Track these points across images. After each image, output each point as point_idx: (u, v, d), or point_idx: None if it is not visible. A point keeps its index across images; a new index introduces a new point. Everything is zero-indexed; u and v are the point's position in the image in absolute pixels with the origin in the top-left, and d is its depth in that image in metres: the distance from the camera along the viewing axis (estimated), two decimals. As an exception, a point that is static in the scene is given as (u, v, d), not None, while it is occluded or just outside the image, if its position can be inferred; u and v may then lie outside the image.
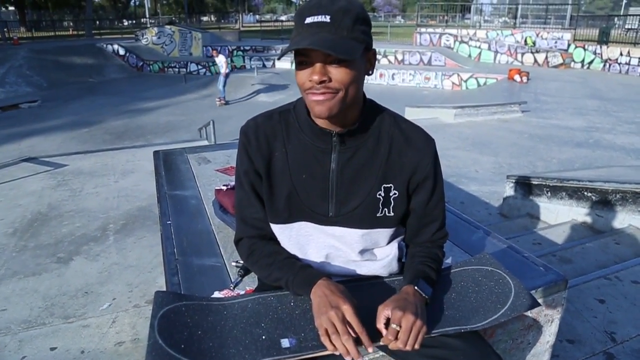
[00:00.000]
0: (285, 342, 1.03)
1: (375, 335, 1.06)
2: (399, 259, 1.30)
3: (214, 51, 13.83)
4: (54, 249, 3.47)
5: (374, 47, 1.06)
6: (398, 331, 1.01)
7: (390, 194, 1.14)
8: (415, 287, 1.10)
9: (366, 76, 1.07)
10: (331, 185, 1.12)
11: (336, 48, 0.94)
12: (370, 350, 1.00)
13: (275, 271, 1.15)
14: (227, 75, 13.16)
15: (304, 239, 1.20)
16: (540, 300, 1.56)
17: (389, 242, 1.23)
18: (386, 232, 1.20)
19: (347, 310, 0.99)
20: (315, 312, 1.03)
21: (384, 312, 1.04)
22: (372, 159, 1.12)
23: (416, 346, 1.00)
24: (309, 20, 0.97)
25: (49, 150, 7.79)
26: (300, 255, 1.22)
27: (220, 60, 13.23)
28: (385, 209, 1.15)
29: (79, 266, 3.22)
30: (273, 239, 1.22)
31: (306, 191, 1.13)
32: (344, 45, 0.95)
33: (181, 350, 0.99)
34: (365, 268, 1.24)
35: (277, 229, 1.21)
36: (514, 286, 1.19)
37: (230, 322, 1.09)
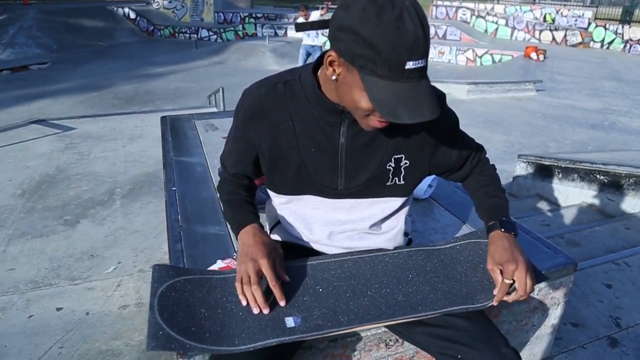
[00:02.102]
0: (290, 321, 1.00)
1: (381, 311, 1.04)
2: (405, 233, 1.28)
3: (303, 10, 9.05)
4: (61, 212, 3.49)
5: None
6: (511, 284, 1.04)
7: (401, 164, 1.11)
8: (503, 230, 1.10)
9: None
10: (340, 160, 1.09)
11: (435, 103, 0.89)
12: (282, 303, 1.04)
13: (227, 209, 1.21)
14: (312, 50, 9.37)
15: (310, 212, 1.18)
16: (548, 283, 1.54)
17: (396, 213, 1.21)
18: (396, 202, 1.17)
19: (264, 265, 1.02)
20: (239, 257, 1.07)
21: (495, 273, 1.07)
22: (382, 132, 1.07)
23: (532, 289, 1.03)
24: (411, 65, 0.83)
25: (58, 112, 7.78)
26: (304, 229, 1.20)
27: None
28: (396, 178, 1.13)
29: (86, 229, 3.24)
30: (244, 184, 1.24)
31: (315, 165, 1.10)
32: (436, 93, 0.92)
33: (184, 332, 0.94)
34: (371, 241, 1.22)
35: (283, 199, 1.19)
36: None
37: (232, 298, 1.05)
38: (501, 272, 1.05)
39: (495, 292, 1.06)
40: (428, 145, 1.11)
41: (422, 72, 0.86)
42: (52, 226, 3.28)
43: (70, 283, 2.62)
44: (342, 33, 0.86)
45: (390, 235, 1.23)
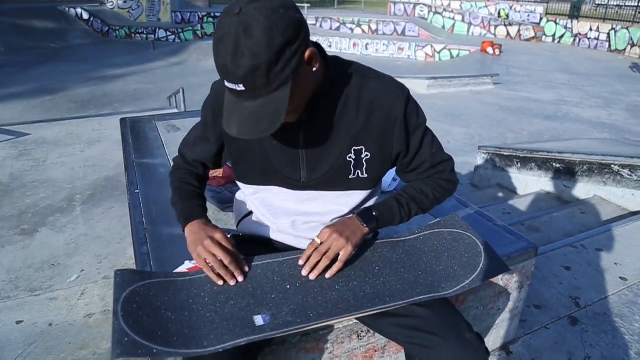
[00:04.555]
0: (259, 320, 1.00)
1: (349, 304, 1.05)
2: None
3: None
4: (17, 221, 3.34)
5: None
6: (319, 245, 1.11)
7: (362, 156, 1.12)
8: (358, 216, 1.16)
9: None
10: (301, 153, 1.11)
11: (261, 124, 0.92)
12: (240, 279, 1.08)
13: (176, 196, 1.23)
14: None
15: (277, 203, 1.19)
16: (511, 268, 1.59)
17: (362, 205, 1.22)
18: (361, 195, 1.19)
19: (220, 238, 1.08)
20: (190, 248, 1.10)
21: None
22: (340, 124, 1.09)
23: (338, 262, 1.10)
24: (228, 85, 0.91)
25: (9, 118, 7.44)
26: (270, 218, 1.22)
27: None
28: (358, 171, 1.14)
29: (45, 238, 3.12)
30: (199, 174, 1.27)
31: (277, 157, 1.12)
32: (268, 114, 0.92)
33: (150, 337, 0.92)
34: None
35: (251, 190, 1.21)
36: (484, 250, 1.19)
37: (199, 300, 1.04)
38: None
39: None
40: (387, 138, 1.12)
41: (239, 94, 0.91)
42: (8, 236, 3.14)
43: (30, 294, 2.52)
44: None
45: None
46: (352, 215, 1.18)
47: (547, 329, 1.92)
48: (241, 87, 0.89)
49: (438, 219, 1.32)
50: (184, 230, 1.15)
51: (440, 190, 1.22)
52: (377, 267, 1.16)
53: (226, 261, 1.06)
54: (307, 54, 0.92)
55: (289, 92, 0.91)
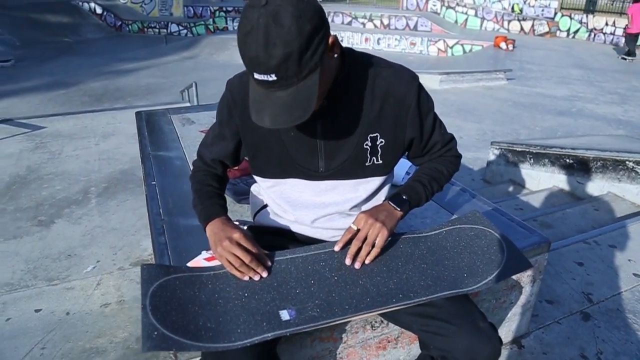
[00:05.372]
0: (284, 314, 1.01)
1: (374, 300, 1.06)
2: None
3: None
4: (34, 212, 3.41)
5: (334, 32, 0.99)
6: (356, 231, 1.13)
7: (377, 143, 1.16)
8: (390, 202, 1.18)
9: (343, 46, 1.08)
10: (319, 143, 1.13)
11: (294, 112, 0.94)
12: (264, 274, 1.10)
13: (196, 197, 1.24)
14: None
15: (295, 195, 1.21)
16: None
17: (377, 193, 1.25)
18: (377, 181, 1.22)
19: (238, 237, 1.08)
20: (211, 247, 1.12)
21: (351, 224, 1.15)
22: (357, 113, 1.12)
23: (375, 248, 1.12)
24: (257, 76, 0.92)
25: (25, 112, 7.55)
26: (289, 211, 1.23)
27: None
28: (374, 158, 1.17)
29: (61, 229, 3.18)
30: (218, 174, 1.29)
31: (295, 148, 1.14)
32: (300, 102, 0.94)
33: (179, 331, 0.94)
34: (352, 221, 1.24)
35: (269, 183, 1.23)
36: (507, 247, 1.20)
37: (224, 294, 1.05)
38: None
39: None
40: (401, 124, 1.16)
41: (270, 84, 0.92)
42: (25, 227, 3.20)
43: (48, 284, 2.57)
44: None
45: None
46: (384, 201, 1.21)
47: (559, 324, 1.92)
48: (272, 77, 0.90)
49: (459, 215, 1.32)
50: (205, 231, 1.17)
51: (451, 166, 1.29)
52: (400, 262, 1.17)
53: (246, 260, 1.07)
54: (330, 40, 0.96)
55: (318, 78, 0.94)
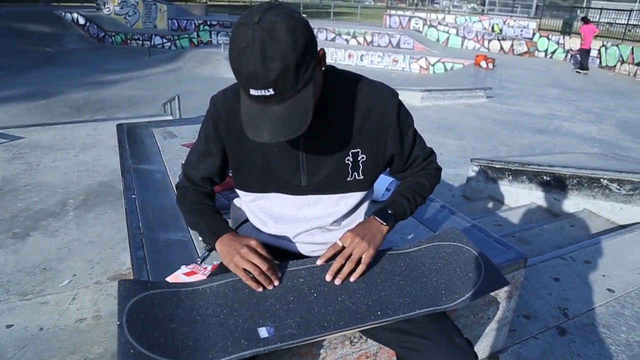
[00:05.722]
0: (263, 332, 1.00)
1: (353, 317, 1.06)
2: None
3: None
4: (9, 224, 3.33)
5: (321, 48, 1.02)
6: (342, 248, 1.14)
7: (359, 158, 1.17)
8: (376, 217, 1.20)
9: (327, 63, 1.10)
10: (301, 158, 1.15)
11: (292, 125, 0.96)
12: (276, 283, 1.11)
13: (195, 217, 1.23)
14: None
15: (277, 209, 1.22)
16: (501, 277, 1.62)
17: (357, 208, 1.26)
18: (358, 196, 1.23)
19: (255, 244, 1.10)
20: (224, 259, 1.12)
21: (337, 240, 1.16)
22: (339, 129, 1.14)
23: (361, 265, 1.13)
24: (253, 92, 0.93)
25: (3, 121, 7.41)
26: (270, 225, 1.24)
27: None
28: (355, 173, 1.19)
29: (37, 242, 3.11)
30: (208, 193, 1.29)
31: (278, 163, 1.15)
32: (298, 114, 0.96)
33: (155, 349, 0.92)
34: (332, 235, 1.25)
35: (251, 197, 1.23)
36: (484, 264, 1.21)
37: (203, 311, 1.04)
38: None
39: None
40: (382, 140, 1.18)
41: (267, 99, 0.93)
42: (-1, 240, 3.13)
43: (21, 298, 2.51)
44: None
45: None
46: (369, 216, 1.22)
47: (535, 339, 1.95)
48: (270, 92, 0.92)
49: (438, 232, 1.34)
50: (213, 247, 1.16)
51: (432, 179, 1.32)
52: (379, 279, 1.17)
53: (264, 267, 1.08)
54: (320, 53, 0.99)
55: (312, 90, 0.96)
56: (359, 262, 1.14)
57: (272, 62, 0.88)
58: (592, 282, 2.38)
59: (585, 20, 14.06)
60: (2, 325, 2.28)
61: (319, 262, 1.16)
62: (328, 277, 1.13)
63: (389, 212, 1.21)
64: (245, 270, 1.08)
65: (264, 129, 0.96)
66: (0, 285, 2.62)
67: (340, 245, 1.15)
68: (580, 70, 14.13)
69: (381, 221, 1.19)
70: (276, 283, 1.11)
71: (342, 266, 1.13)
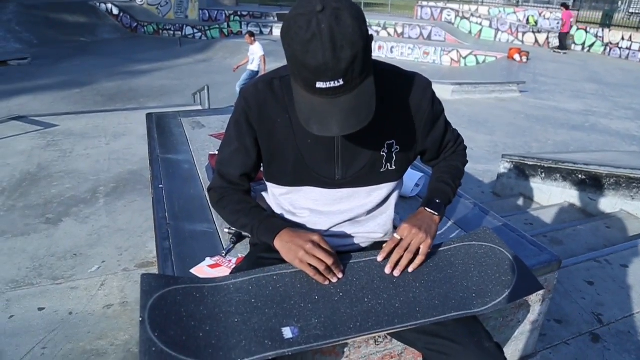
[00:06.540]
0: (287, 332, 0.98)
1: (379, 320, 1.04)
2: (394, 226, 1.30)
3: (249, 37, 8.91)
4: (43, 210, 3.43)
5: (371, 25, 0.99)
6: (399, 241, 1.14)
7: (393, 150, 1.16)
8: (427, 208, 1.20)
9: None
10: (337, 150, 1.12)
11: (361, 114, 0.93)
12: (340, 275, 1.11)
13: (243, 217, 1.19)
14: (254, 74, 8.57)
15: (310, 204, 1.19)
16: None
17: (388, 198, 1.25)
18: (390, 187, 1.22)
19: (318, 239, 1.08)
20: (286, 256, 1.09)
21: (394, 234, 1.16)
22: (375, 120, 1.09)
23: (420, 255, 1.13)
24: (321, 85, 0.89)
25: (38, 109, 7.64)
26: (302, 219, 1.22)
27: (255, 51, 8.85)
28: (388, 164, 1.17)
29: (68, 228, 3.19)
30: (247, 190, 1.26)
31: (312, 156, 1.13)
32: (365, 102, 0.93)
33: (177, 347, 0.91)
34: (363, 227, 1.24)
35: (284, 190, 1.21)
36: (517, 267, 1.16)
37: (226, 308, 1.02)
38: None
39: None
40: (415, 130, 1.17)
41: (336, 90, 0.90)
42: (33, 225, 3.22)
43: (52, 282, 2.58)
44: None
45: (381, 221, 1.25)
46: (419, 208, 1.22)
47: (567, 345, 1.88)
48: (340, 82, 0.89)
49: (469, 231, 1.29)
50: (272, 245, 1.12)
51: (463, 159, 1.35)
52: (407, 280, 1.14)
53: (329, 262, 1.08)
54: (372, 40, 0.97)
55: (373, 77, 0.95)
56: (416, 254, 1.14)
57: (342, 50, 0.85)
58: (629, 287, 2.28)
59: (566, 7, 15.54)
60: (35, 308, 2.35)
61: (379, 259, 1.16)
62: (387, 270, 1.13)
63: (437, 201, 1.22)
64: (310, 265, 1.07)
65: (332, 122, 0.92)
66: (34, 269, 2.70)
67: (399, 238, 1.14)
68: (558, 50, 15.35)
69: (432, 211, 1.20)
70: (340, 276, 1.11)
71: (401, 258, 1.13)
